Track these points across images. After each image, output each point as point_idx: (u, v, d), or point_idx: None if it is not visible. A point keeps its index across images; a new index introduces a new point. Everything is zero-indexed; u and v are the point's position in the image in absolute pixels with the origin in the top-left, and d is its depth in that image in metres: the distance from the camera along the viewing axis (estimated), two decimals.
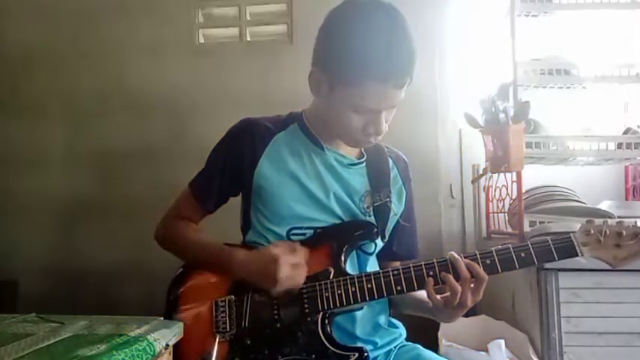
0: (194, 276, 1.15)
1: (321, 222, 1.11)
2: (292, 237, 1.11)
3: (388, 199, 1.15)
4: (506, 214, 1.77)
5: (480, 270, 0.99)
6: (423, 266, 1.02)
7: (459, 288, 0.99)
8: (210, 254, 1.12)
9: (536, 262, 1.00)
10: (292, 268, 1.01)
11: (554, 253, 0.99)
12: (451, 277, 0.99)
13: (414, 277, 1.02)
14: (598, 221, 1.02)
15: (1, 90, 2.26)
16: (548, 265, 1.40)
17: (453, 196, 2.10)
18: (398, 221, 1.20)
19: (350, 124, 1.06)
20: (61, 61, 2.23)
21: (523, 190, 1.65)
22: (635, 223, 1.03)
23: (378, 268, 1.18)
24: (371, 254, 1.16)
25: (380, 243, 1.17)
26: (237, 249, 1.10)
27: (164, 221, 1.23)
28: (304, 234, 1.11)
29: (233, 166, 1.15)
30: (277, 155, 1.14)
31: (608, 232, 1.00)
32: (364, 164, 1.18)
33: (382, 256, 1.20)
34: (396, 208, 1.18)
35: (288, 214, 1.11)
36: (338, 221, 1.12)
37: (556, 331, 1.42)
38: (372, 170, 1.17)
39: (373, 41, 0.98)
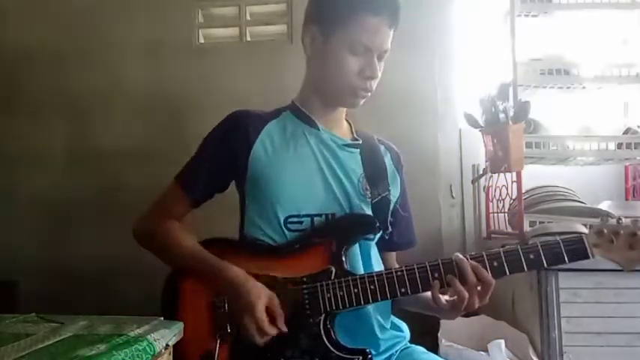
0: (189, 275, 1.12)
1: (317, 207, 1.10)
2: (289, 225, 1.09)
3: (387, 192, 1.15)
4: (506, 214, 1.77)
5: (487, 275, 0.96)
6: (428, 268, 1.00)
7: (466, 294, 0.97)
8: (198, 264, 1.08)
9: (545, 265, 0.95)
10: (260, 325, 0.99)
11: (565, 255, 0.95)
12: (457, 282, 0.97)
13: (418, 279, 1.00)
14: (611, 221, 0.97)
15: (1, 90, 2.26)
16: None
17: (453, 196, 2.10)
18: (395, 211, 1.20)
19: (346, 69, 1.09)
20: (60, 60, 2.23)
21: (523, 190, 1.65)
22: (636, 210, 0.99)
23: (379, 257, 1.17)
24: (372, 240, 1.15)
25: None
26: (227, 267, 1.04)
27: (146, 217, 1.18)
28: (301, 222, 1.09)
29: (224, 155, 1.14)
30: (270, 142, 1.13)
31: (621, 233, 0.95)
32: (358, 148, 1.18)
33: (382, 247, 1.19)
34: (394, 197, 1.18)
35: (284, 201, 1.09)
36: (335, 204, 1.11)
37: (556, 331, 1.42)
38: (367, 156, 1.18)
39: None
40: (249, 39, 2.23)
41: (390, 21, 1.08)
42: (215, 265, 1.06)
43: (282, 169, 1.11)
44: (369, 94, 1.13)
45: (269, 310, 1.00)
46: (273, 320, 1.00)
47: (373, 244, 1.16)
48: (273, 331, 1.00)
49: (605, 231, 0.96)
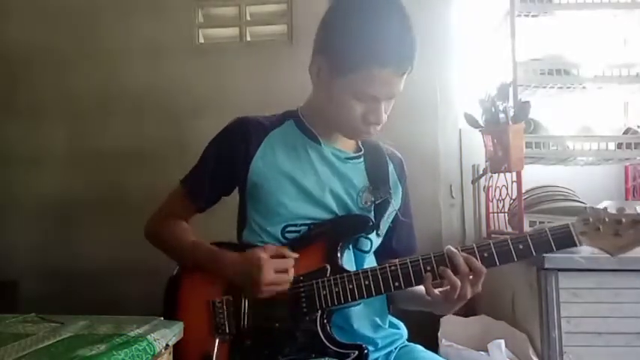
0: (191, 276, 1.15)
1: (316, 219, 1.11)
2: (287, 234, 1.11)
3: (388, 196, 1.15)
4: (506, 214, 1.77)
5: (478, 263, 0.99)
6: (421, 261, 1.01)
7: (459, 283, 0.98)
8: (200, 256, 1.12)
9: (534, 253, 0.98)
10: (277, 273, 1.01)
11: (552, 243, 0.98)
12: (450, 272, 0.99)
13: (411, 273, 1.01)
14: (597, 209, 1.00)
15: (1, 90, 2.26)
16: (548, 265, 1.40)
17: (453, 196, 2.10)
18: (395, 218, 1.20)
19: (350, 113, 1.06)
20: (60, 61, 2.23)
21: (523, 190, 1.65)
22: (635, 210, 1.01)
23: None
24: (367, 252, 1.16)
25: (376, 240, 1.16)
26: (228, 251, 1.09)
27: (154, 217, 1.23)
28: (299, 231, 1.11)
29: (226, 164, 1.15)
30: (272, 152, 1.13)
31: (607, 221, 0.98)
32: (362, 159, 1.18)
33: (381, 255, 1.20)
34: (395, 204, 1.18)
35: (283, 212, 1.10)
36: (333, 217, 1.12)
37: (556, 331, 1.42)
38: (371, 165, 1.18)
39: (376, 28, 1.00)
40: (249, 39, 2.23)
41: (401, 70, 1.03)
42: (215, 253, 1.09)
43: (281, 182, 1.11)
44: (372, 135, 1.12)
45: (275, 256, 1.03)
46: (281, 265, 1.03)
47: (370, 256, 1.17)
48: (290, 264, 1.03)
49: (591, 219, 0.98)
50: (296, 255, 1.05)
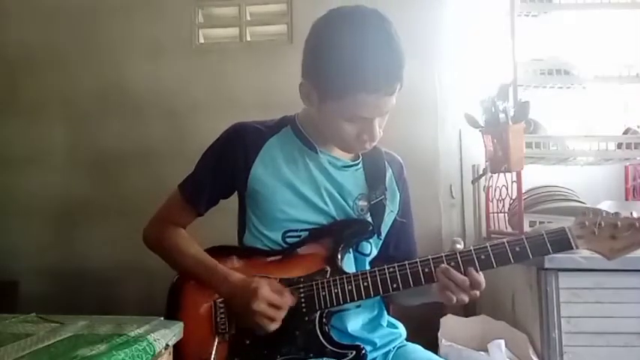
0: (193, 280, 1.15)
1: (316, 224, 1.12)
2: (288, 239, 1.11)
3: (383, 197, 1.15)
4: (506, 214, 1.77)
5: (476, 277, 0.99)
6: (419, 263, 1.02)
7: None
8: (200, 271, 1.12)
9: (530, 256, 0.99)
10: (269, 306, 1.00)
11: (549, 246, 0.99)
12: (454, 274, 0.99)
13: (409, 274, 1.02)
14: (593, 212, 1.01)
15: (0, 90, 2.26)
16: (548, 265, 1.40)
17: (453, 196, 2.10)
18: (394, 223, 1.20)
19: (343, 133, 1.06)
20: (60, 61, 2.23)
21: (523, 190, 1.65)
22: (631, 214, 1.01)
23: None
24: (368, 255, 1.16)
25: (376, 244, 1.17)
26: (230, 272, 1.08)
27: (153, 224, 1.22)
28: (299, 236, 1.11)
29: (224, 171, 1.15)
30: (271, 159, 1.13)
31: (603, 224, 0.99)
32: (360, 165, 1.18)
33: (379, 260, 1.19)
34: (392, 207, 1.18)
35: (283, 218, 1.11)
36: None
37: (556, 331, 1.42)
38: (369, 171, 1.17)
39: (360, 53, 0.97)
40: (249, 39, 2.23)
41: (390, 92, 1.01)
42: (217, 272, 1.09)
43: (281, 189, 1.11)
44: (368, 150, 1.11)
45: (273, 290, 1.02)
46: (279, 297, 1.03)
47: (369, 259, 1.17)
48: (285, 304, 1.02)
49: (588, 223, 0.99)
50: (294, 299, 1.04)
